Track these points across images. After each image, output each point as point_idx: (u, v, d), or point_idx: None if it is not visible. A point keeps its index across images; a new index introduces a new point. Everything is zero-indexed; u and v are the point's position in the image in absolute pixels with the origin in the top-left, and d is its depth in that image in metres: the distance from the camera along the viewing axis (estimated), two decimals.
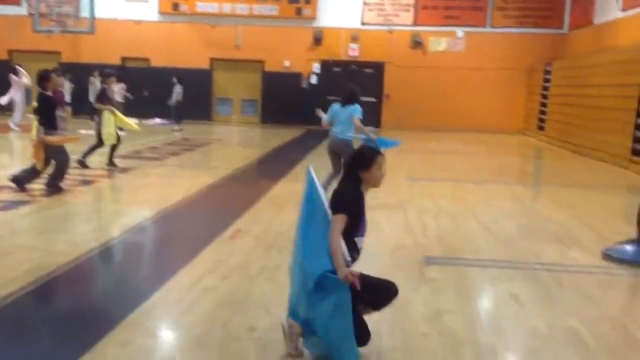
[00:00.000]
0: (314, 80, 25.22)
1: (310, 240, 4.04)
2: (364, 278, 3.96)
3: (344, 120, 9.47)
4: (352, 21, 25.02)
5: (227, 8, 24.76)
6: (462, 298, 5.48)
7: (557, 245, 7.50)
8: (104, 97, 12.04)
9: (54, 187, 9.41)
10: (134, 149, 15.22)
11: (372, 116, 25.24)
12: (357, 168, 4.25)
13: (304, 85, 25.19)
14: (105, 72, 13.01)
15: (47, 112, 9.29)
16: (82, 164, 11.72)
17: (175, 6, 24.76)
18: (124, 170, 11.98)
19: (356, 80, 25.08)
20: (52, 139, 9.17)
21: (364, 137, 9.61)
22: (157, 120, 22.98)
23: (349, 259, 4.02)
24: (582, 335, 4.73)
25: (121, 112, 18.43)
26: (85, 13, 22.96)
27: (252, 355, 4.11)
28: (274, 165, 14.66)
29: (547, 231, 8.27)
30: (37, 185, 9.51)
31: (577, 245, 7.55)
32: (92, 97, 19.88)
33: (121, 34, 24.67)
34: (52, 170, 9.48)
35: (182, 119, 21.31)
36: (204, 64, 25.12)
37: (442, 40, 25.45)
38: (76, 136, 10.09)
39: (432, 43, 25.46)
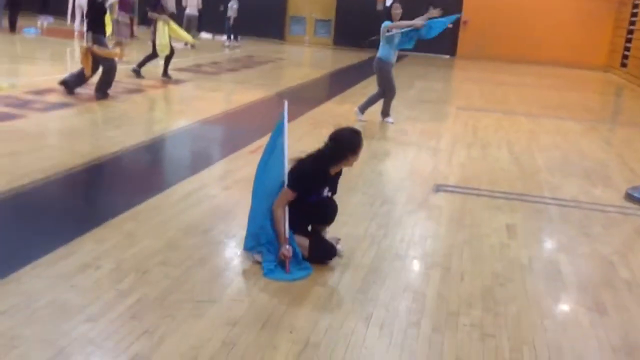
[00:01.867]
0: (389, 2, 24.65)
1: (259, 194, 4.35)
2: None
3: (381, 38, 9.47)
4: None
5: None
6: (454, 226, 5.46)
7: (583, 182, 7.31)
8: (158, 6, 12.17)
9: (101, 93, 9.74)
10: (195, 62, 15.47)
11: (448, 43, 24.67)
12: (342, 149, 4.32)
13: (379, 7, 24.67)
14: None
15: (95, 17, 9.50)
16: (137, 74, 12.03)
17: None
18: (178, 81, 12.24)
19: (433, 3, 24.47)
20: (97, 50, 9.39)
21: (409, 29, 9.40)
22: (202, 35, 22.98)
23: (287, 236, 4.18)
24: (562, 269, 4.68)
25: (195, 26, 18.75)
26: None
27: (220, 260, 4.28)
28: (327, 86, 14.67)
29: (580, 167, 8.05)
30: (87, 90, 9.86)
31: (605, 183, 7.33)
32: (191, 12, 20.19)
33: None
34: (100, 76, 9.78)
35: (237, 35, 21.42)
36: None
37: None
38: (118, 52, 10.19)
39: None
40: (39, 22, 20.77)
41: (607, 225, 5.85)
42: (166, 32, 11.98)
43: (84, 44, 9.43)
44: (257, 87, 12.73)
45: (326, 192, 4.44)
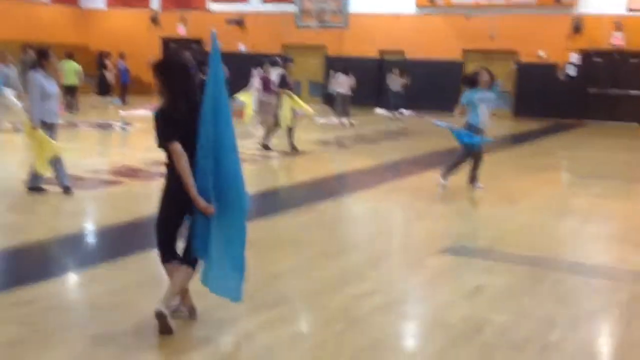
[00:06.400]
0: (571, 71, 23.91)
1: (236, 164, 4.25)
2: None
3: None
4: (616, 7, 23.13)
5: None
6: (419, 286, 5.53)
7: (629, 249, 6.81)
8: (284, 82, 13.16)
9: None
10: (338, 134, 16.19)
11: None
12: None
13: (560, 76, 23.99)
14: (285, 59, 14.17)
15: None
16: (266, 147, 12.96)
17: None
18: (302, 153, 12.80)
19: (621, 71, 23.30)
20: None
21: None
22: (404, 111, 23.56)
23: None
24: (486, 329, 4.59)
25: (349, 105, 19.61)
26: (346, 9, 24.87)
27: None
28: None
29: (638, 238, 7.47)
30: None
31: None
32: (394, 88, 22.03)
33: (380, 28, 25.78)
34: None
35: (401, 108, 22.12)
36: (457, 56, 25.21)
37: None
38: None
39: None
40: None
41: (600, 291, 5.54)
42: (289, 104, 12.88)
43: None
44: (367, 157, 13.03)
45: None
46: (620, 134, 19.72)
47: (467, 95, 9.38)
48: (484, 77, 9.43)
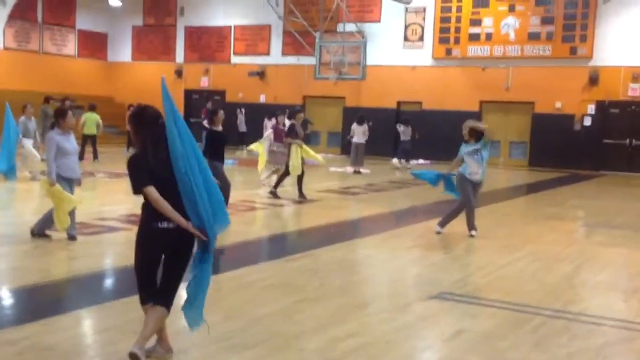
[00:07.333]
0: (587, 122, 23.98)
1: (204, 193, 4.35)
2: None
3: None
4: (633, 59, 23.27)
5: (498, 51, 24.90)
6: (401, 329, 5.63)
7: (613, 298, 6.94)
8: (292, 132, 13.43)
9: None
10: (351, 184, 16.40)
11: None
12: None
13: (576, 127, 24.06)
14: (295, 109, 14.50)
15: (210, 145, 10.78)
16: (274, 195, 13.20)
17: (448, 51, 25.62)
18: (310, 201, 12.95)
19: (637, 122, 23.30)
20: None
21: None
22: (421, 161, 23.78)
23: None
24: None
25: (363, 154, 19.92)
26: (364, 61, 25.28)
27: None
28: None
29: (629, 285, 7.55)
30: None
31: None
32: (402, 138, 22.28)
33: (397, 80, 26.15)
34: None
35: (410, 158, 22.34)
36: (473, 107, 25.34)
37: None
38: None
39: None
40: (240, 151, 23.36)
41: (578, 337, 5.58)
42: (299, 154, 13.13)
43: None
44: (374, 205, 13.16)
45: None
46: (636, 185, 19.69)
47: (461, 148, 9.73)
48: (463, 131, 9.83)
